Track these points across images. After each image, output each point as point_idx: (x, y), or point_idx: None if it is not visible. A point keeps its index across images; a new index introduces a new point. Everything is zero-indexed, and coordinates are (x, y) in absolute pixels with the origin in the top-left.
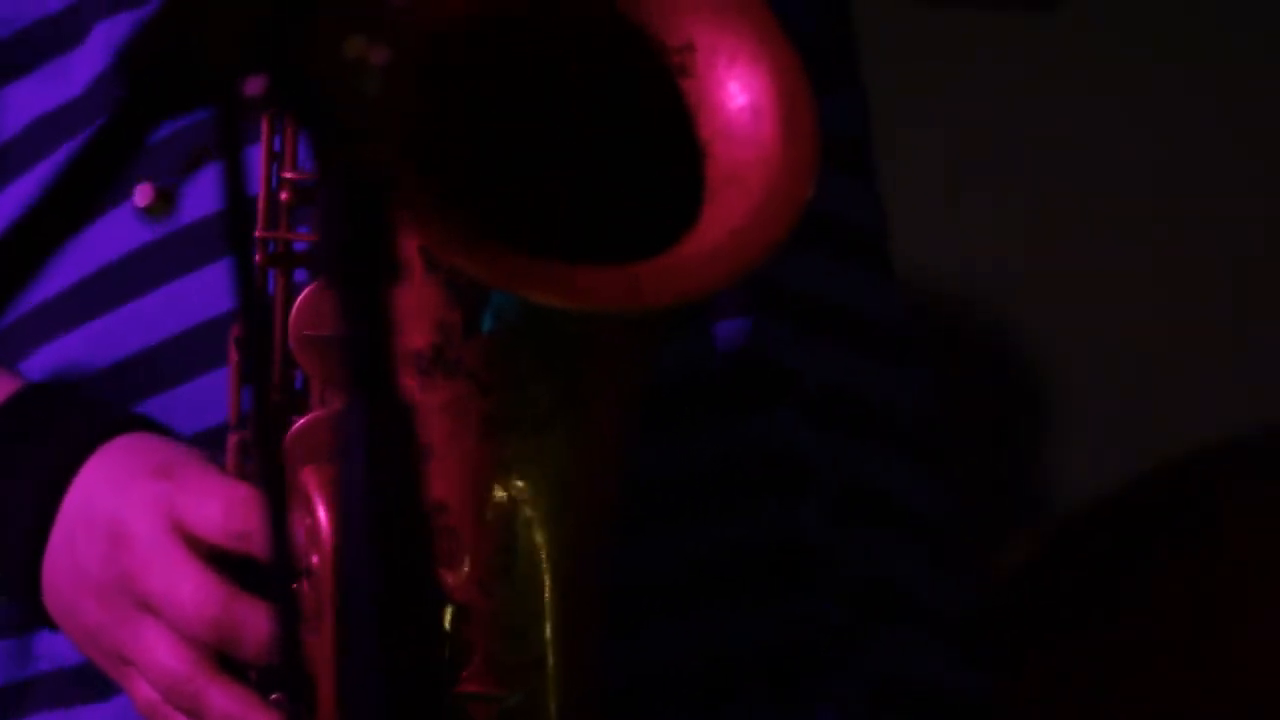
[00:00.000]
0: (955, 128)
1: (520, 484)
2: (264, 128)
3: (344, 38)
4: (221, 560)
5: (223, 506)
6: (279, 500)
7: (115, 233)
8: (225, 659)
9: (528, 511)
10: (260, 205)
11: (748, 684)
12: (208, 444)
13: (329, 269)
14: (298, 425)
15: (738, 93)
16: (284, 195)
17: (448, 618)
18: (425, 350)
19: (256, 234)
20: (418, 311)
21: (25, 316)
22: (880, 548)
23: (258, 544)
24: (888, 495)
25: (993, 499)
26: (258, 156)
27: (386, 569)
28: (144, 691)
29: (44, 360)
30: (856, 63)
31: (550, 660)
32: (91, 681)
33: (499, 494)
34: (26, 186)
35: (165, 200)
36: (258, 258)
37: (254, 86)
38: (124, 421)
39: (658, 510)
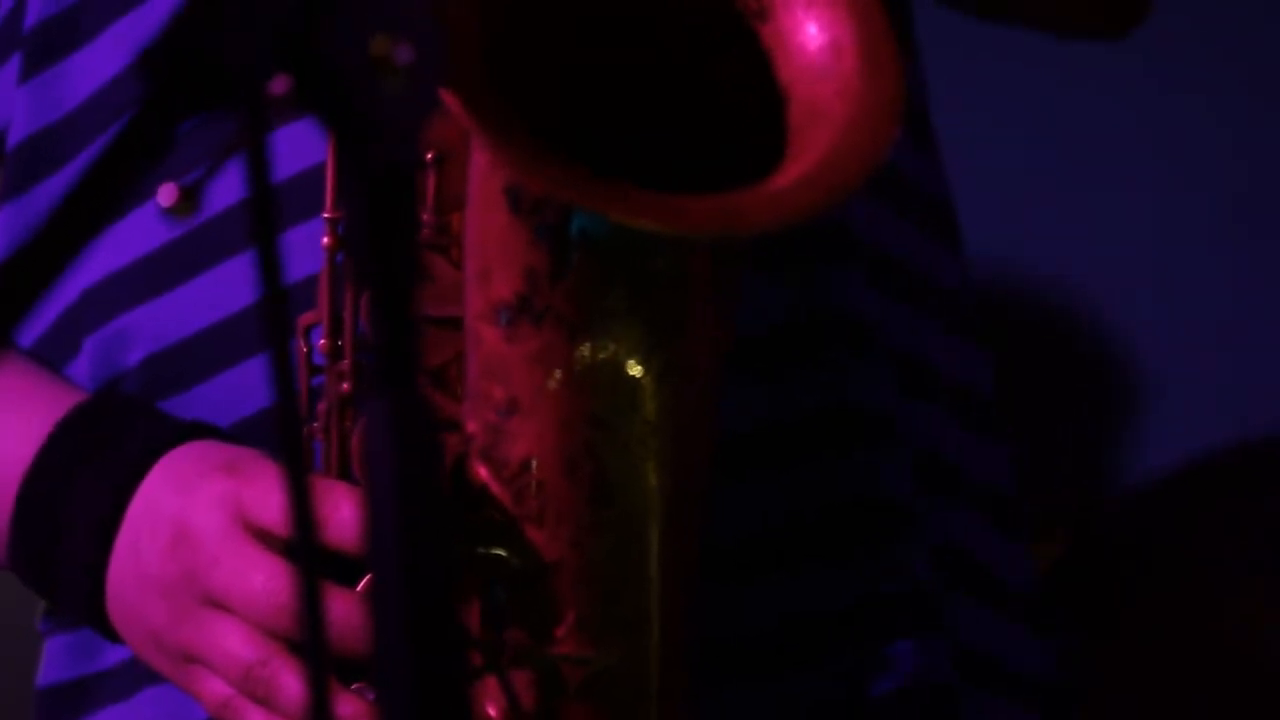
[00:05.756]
0: (1013, 109)
1: (610, 434)
2: None
3: (369, 36)
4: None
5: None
6: (302, 490)
7: (141, 232)
8: (300, 648)
9: (620, 463)
10: (329, 186)
11: (830, 642)
12: (243, 437)
13: (355, 270)
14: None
15: (817, 33)
16: None
17: (537, 576)
18: (510, 299)
19: (325, 215)
20: (502, 259)
21: (60, 318)
22: (953, 519)
23: (330, 534)
24: (958, 467)
25: (1036, 488)
26: (292, 138)
27: (415, 564)
28: (213, 688)
29: (82, 358)
30: (909, 29)
31: (646, 619)
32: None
33: (588, 445)
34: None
35: (189, 199)
36: (327, 240)
37: (279, 86)
38: (188, 429)
39: (736, 466)
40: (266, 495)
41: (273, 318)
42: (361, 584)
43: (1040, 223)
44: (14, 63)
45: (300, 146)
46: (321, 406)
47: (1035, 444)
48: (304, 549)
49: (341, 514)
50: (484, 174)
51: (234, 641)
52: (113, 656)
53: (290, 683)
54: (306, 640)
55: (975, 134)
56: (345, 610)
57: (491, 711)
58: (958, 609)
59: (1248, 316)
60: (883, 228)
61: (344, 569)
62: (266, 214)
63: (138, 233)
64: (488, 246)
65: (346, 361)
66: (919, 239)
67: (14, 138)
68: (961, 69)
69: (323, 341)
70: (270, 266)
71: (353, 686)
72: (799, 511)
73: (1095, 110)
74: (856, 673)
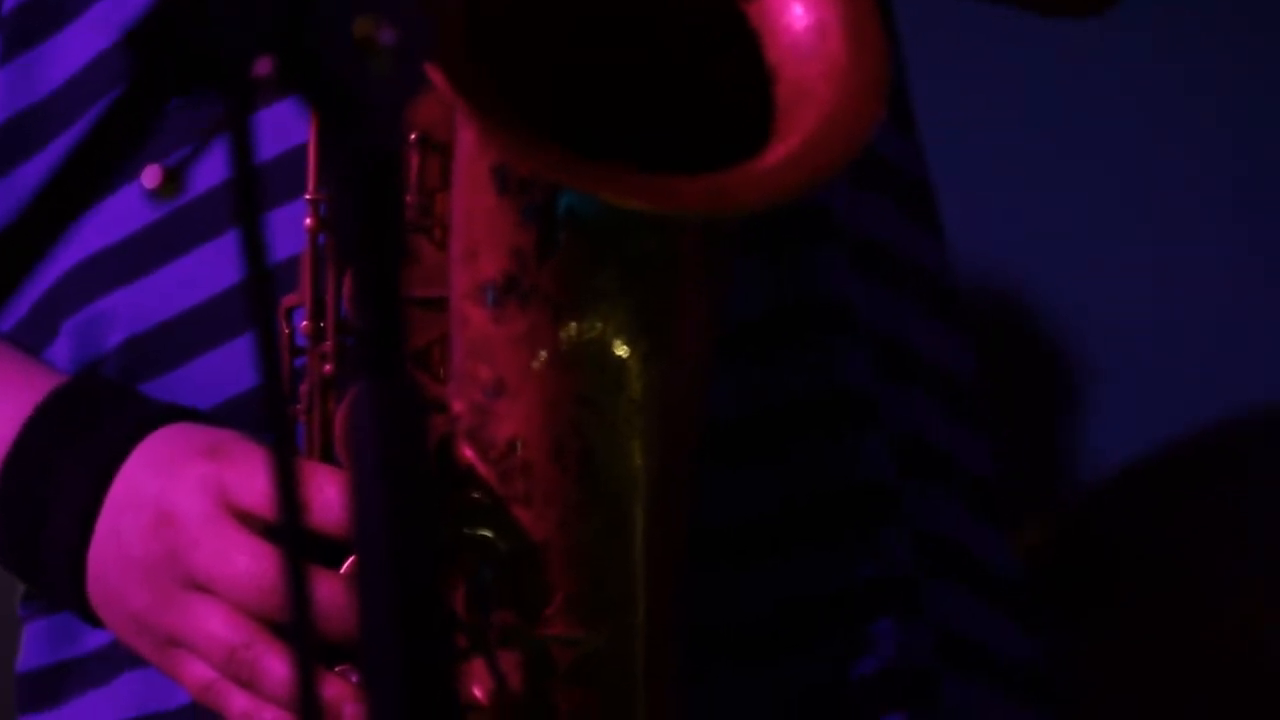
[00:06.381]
0: (979, 106)
1: (598, 414)
2: None
3: (353, 18)
4: (277, 535)
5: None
6: (289, 473)
7: (124, 214)
8: (285, 631)
9: (607, 443)
10: (311, 166)
11: (821, 626)
12: (225, 419)
13: (339, 252)
14: (351, 393)
15: (803, 14)
16: None
17: (525, 557)
18: (497, 279)
19: (308, 197)
20: (489, 239)
21: (43, 297)
22: (938, 503)
23: (315, 516)
24: (942, 451)
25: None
26: (275, 118)
27: (401, 547)
28: (196, 672)
29: (61, 341)
30: (887, 13)
31: (634, 599)
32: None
33: (576, 426)
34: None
35: (173, 181)
36: (309, 221)
37: (263, 67)
38: (169, 412)
39: (723, 451)
40: (249, 478)
41: (258, 298)
42: (345, 566)
43: (1026, 208)
44: None
45: (284, 127)
46: (303, 388)
47: (1022, 433)
48: (290, 531)
49: (326, 496)
50: (471, 154)
51: (217, 624)
52: (93, 641)
53: (274, 665)
54: (292, 622)
55: (956, 118)
56: (329, 592)
57: (478, 693)
58: (944, 594)
59: (1246, 308)
60: (865, 211)
61: (327, 551)
62: (251, 195)
63: (121, 214)
64: (474, 227)
65: (329, 343)
66: (901, 222)
67: None
68: (940, 52)
69: (305, 323)
70: (255, 247)
71: (337, 669)
72: (788, 496)
73: (1083, 95)
74: (842, 658)
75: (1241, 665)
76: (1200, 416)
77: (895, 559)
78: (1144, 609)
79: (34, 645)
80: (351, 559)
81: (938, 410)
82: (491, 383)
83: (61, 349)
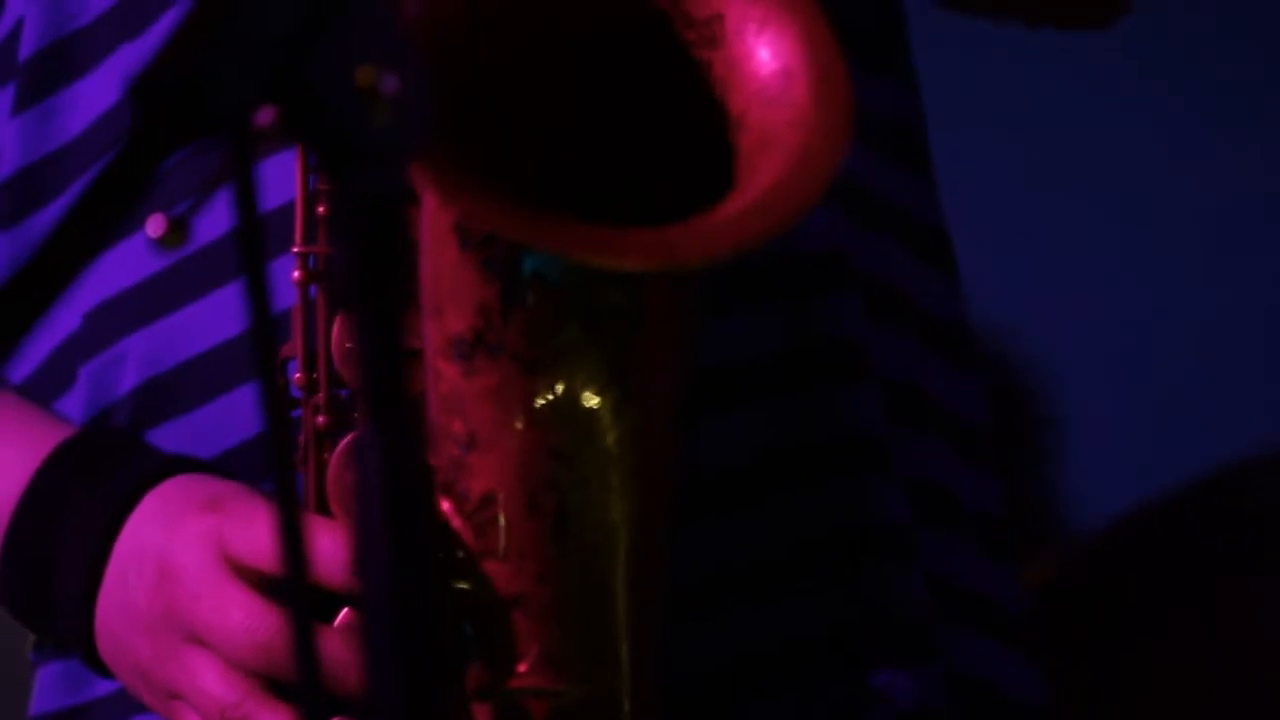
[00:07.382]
0: (963, 137)
1: (571, 467)
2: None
3: (355, 67)
4: (275, 589)
5: (271, 532)
6: (293, 521)
7: (130, 263)
8: (279, 686)
9: (581, 496)
10: (298, 219)
11: (825, 671)
12: (228, 467)
13: (342, 295)
14: (343, 444)
15: (768, 59)
16: (320, 208)
17: (501, 610)
18: (466, 334)
19: (295, 250)
20: (454, 294)
21: (56, 350)
22: (946, 545)
23: (314, 569)
24: (954, 494)
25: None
26: (277, 169)
27: (403, 588)
28: None
29: (79, 386)
30: (906, 53)
31: (613, 650)
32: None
33: (549, 479)
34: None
35: (178, 230)
36: (297, 274)
37: (265, 116)
38: (174, 464)
39: (737, 494)
40: (248, 531)
41: (262, 347)
42: (339, 619)
43: (1035, 246)
44: (8, 93)
45: (287, 177)
46: (299, 440)
47: (1024, 469)
48: (295, 583)
49: (320, 547)
50: (434, 210)
51: (210, 680)
52: (103, 686)
53: None
54: (296, 677)
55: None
56: (325, 647)
57: None
58: (956, 637)
59: (1246, 346)
60: (877, 254)
61: (321, 605)
62: (254, 245)
63: (127, 264)
64: (440, 283)
65: (321, 395)
66: (913, 265)
67: (7, 168)
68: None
69: (298, 375)
70: (259, 296)
71: None
72: (801, 538)
73: (1060, 136)
74: (854, 703)
75: (1250, 691)
76: (1202, 450)
77: (909, 601)
78: (1152, 641)
79: (46, 690)
80: (344, 612)
81: (951, 453)
82: (465, 437)
83: (79, 394)
